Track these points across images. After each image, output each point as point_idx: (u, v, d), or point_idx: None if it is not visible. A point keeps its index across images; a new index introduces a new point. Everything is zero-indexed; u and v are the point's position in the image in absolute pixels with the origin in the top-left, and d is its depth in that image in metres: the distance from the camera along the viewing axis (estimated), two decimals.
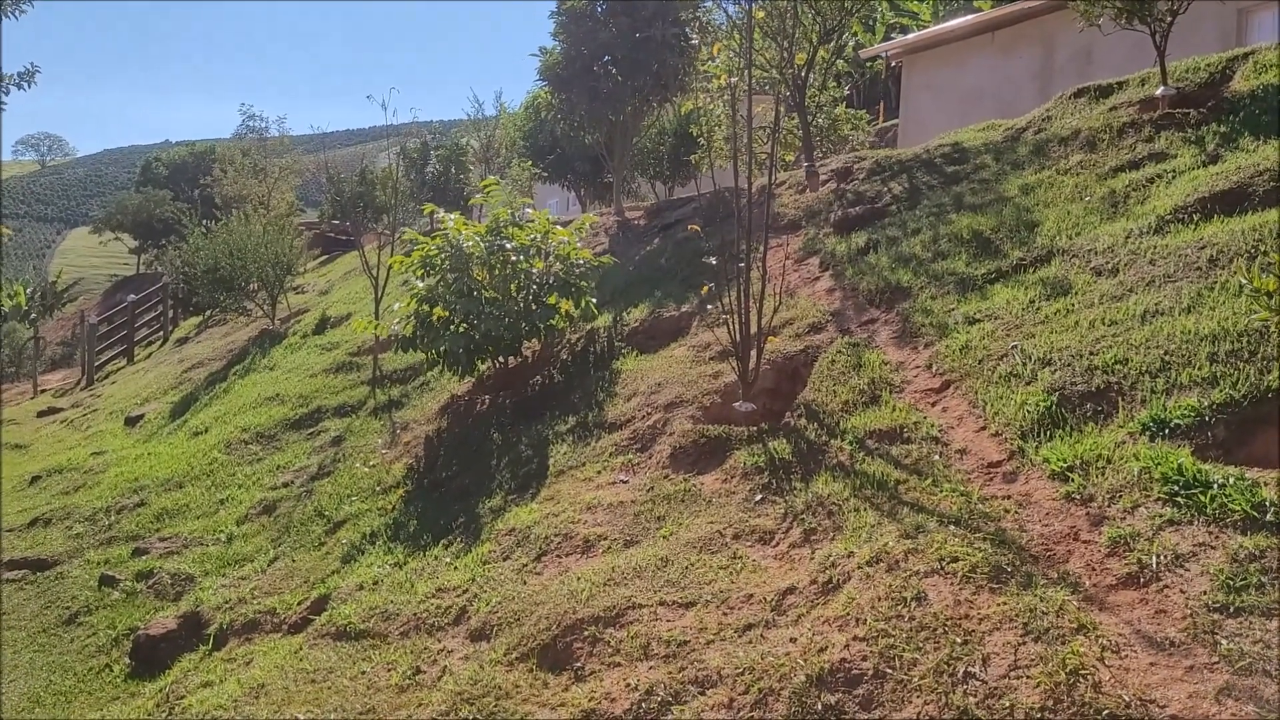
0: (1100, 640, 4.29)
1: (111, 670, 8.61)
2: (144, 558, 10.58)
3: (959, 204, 9.53)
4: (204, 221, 24.59)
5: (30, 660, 8.98)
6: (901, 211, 9.99)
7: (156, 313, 29.11)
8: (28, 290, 32.96)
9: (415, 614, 6.93)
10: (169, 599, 9.58)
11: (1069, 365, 6.23)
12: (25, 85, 12.36)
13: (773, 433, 7.38)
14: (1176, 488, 4.90)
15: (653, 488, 7.33)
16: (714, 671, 5.04)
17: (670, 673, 5.16)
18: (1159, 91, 9.58)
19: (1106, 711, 3.96)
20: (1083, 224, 8.06)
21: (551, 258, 10.85)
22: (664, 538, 6.58)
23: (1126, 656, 4.20)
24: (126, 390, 21.84)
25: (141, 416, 17.86)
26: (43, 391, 26.99)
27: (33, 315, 31.54)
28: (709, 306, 9.19)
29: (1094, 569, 4.77)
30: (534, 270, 10.65)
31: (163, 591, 9.75)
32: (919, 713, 4.30)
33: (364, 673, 6.49)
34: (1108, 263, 7.26)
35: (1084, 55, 14.46)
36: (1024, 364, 6.50)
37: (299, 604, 8.12)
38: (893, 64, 19.84)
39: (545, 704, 5.39)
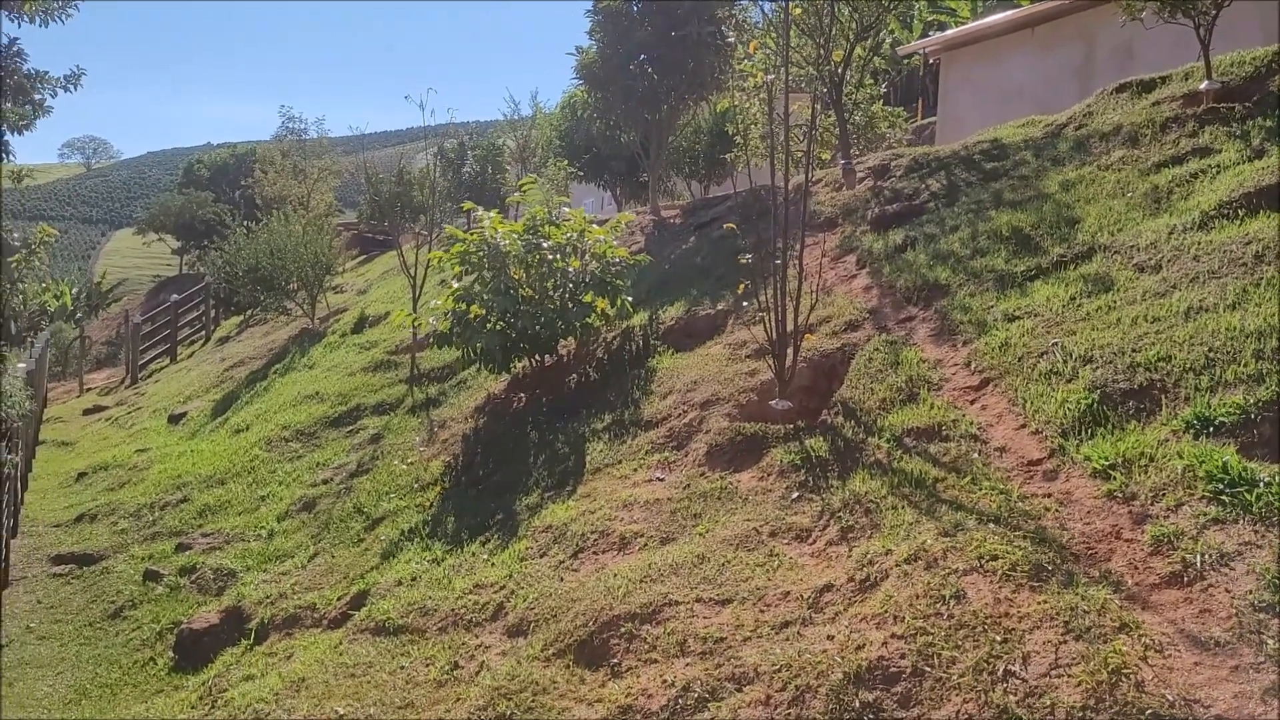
0: (1143, 639, 4.25)
1: (156, 663, 8.74)
2: (187, 553, 10.73)
3: (998, 201, 9.44)
4: (245, 222, 24.86)
5: (77, 653, 9.13)
6: (940, 209, 9.92)
7: (199, 312, 29.49)
8: (73, 291, 33.47)
9: (453, 610, 6.97)
10: (211, 594, 9.71)
11: (1111, 362, 6.16)
12: (71, 88, 12.53)
13: (809, 430, 7.36)
14: (1221, 486, 4.84)
15: (689, 485, 7.33)
16: (751, 668, 5.04)
17: (707, 669, 5.17)
18: (1203, 86, 9.44)
19: (1150, 711, 3.92)
20: (1125, 220, 7.96)
21: (587, 256, 10.87)
22: (700, 535, 6.58)
23: (1170, 656, 4.16)
24: (169, 389, 22.14)
25: (184, 414, 18.10)
26: (88, 390, 27.40)
27: (78, 315, 32.04)
28: (745, 304, 9.17)
29: (1137, 568, 4.72)
30: (570, 268, 10.68)
31: (205, 586, 9.88)
32: (958, 711, 4.28)
33: (402, 668, 6.54)
34: (1150, 259, 7.17)
35: (1125, 50, 14.29)
36: (1065, 361, 6.43)
37: (338, 599, 8.20)
38: (930, 61, 19.70)
39: (582, 699, 5.41)
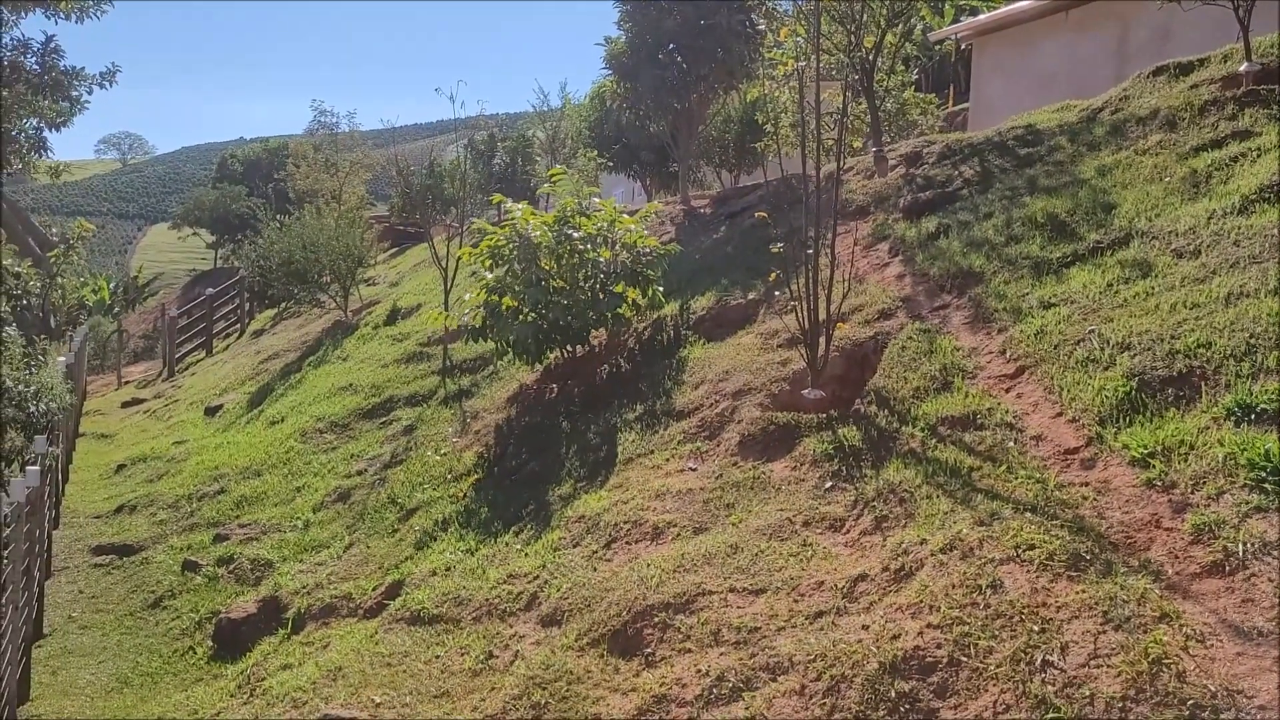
0: (1184, 629, 4.21)
1: (195, 652, 8.86)
2: (224, 544, 10.86)
3: (1033, 187, 9.34)
4: (277, 216, 25.02)
5: (118, 642, 9.27)
6: (973, 195, 9.83)
7: (233, 305, 29.75)
8: (111, 285, 33.88)
9: (487, 600, 7.01)
10: (249, 584, 9.82)
11: (1149, 349, 6.08)
12: (106, 85, 12.71)
13: (842, 420, 7.33)
14: (1263, 474, 4.77)
15: (721, 475, 7.32)
16: (785, 658, 5.03)
17: (741, 659, 5.17)
18: (1242, 68, 9.28)
19: (1191, 701, 3.88)
20: (1163, 205, 7.85)
21: (618, 246, 10.86)
22: (733, 525, 6.57)
23: (1211, 646, 4.12)
24: (206, 381, 22.37)
25: (220, 407, 18.28)
26: (126, 383, 27.72)
27: (116, 309, 32.44)
28: (777, 294, 9.13)
29: (1177, 557, 4.67)
30: (601, 259, 10.68)
31: (243, 576, 10.00)
32: (995, 701, 4.26)
33: (438, 657, 6.59)
34: (1189, 244, 7.07)
35: (1162, 33, 14.06)
36: (1102, 348, 6.36)
37: (374, 589, 8.27)
38: (962, 46, 19.50)
39: (616, 689, 5.43)
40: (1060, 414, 6.13)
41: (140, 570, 10.91)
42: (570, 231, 10.63)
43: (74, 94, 12.04)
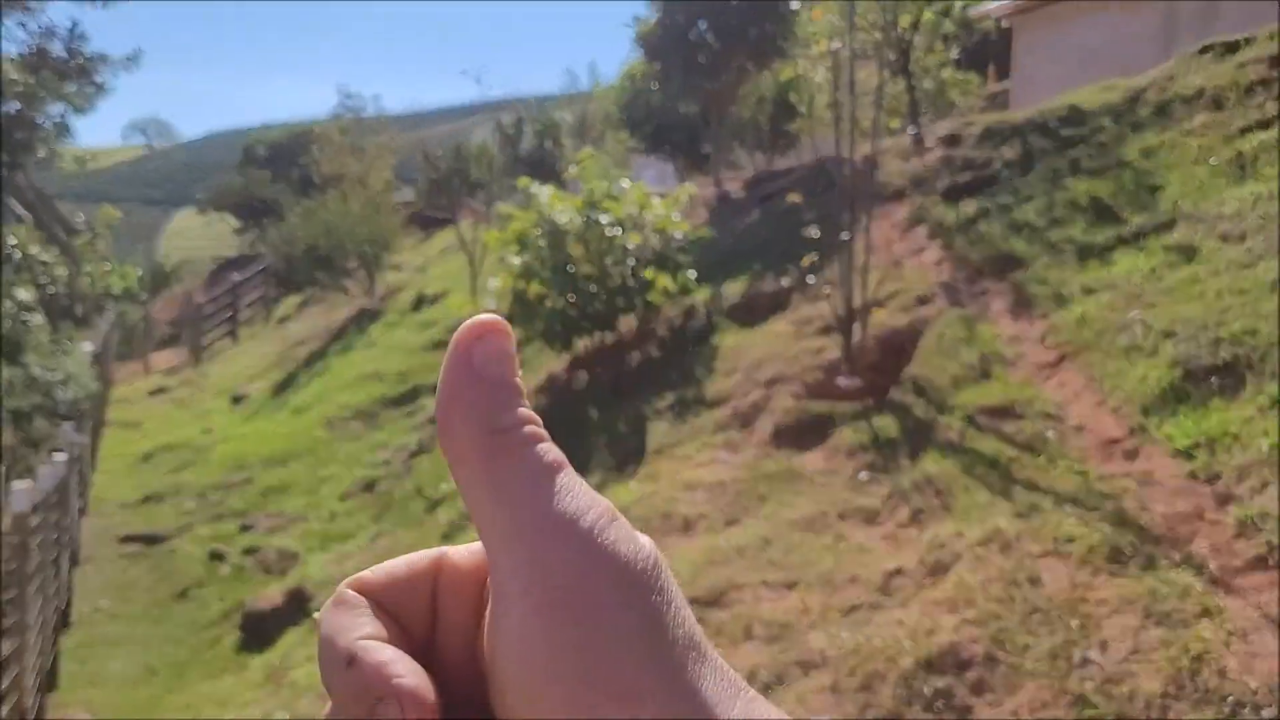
0: (1226, 625, 4.14)
1: (222, 643, 8.86)
2: (250, 534, 10.88)
3: (1075, 169, 9.17)
4: (302, 202, 25.07)
5: (146, 632, 9.29)
6: (1014, 178, 9.67)
7: (259, 292, 29.86)
8: (137, 272, 34.05)
9: None
10: (275, 574, 9.83)
11: (1194, 337, 5.95)
12: (131, 69, 12.74)
13: (878, 409, 7.22)
14: None
15: (754, 466, 7.23)
16: (818, 653, 4.94)
17: (773, 654, 5.07)
18: None
19: (1232, 699, 3.80)
20: (1208, 187, 7.68)
21: (648, 231, 10.74)
22: (766, 517, 6.48)
23: (1254, 642, 4.04)
24: (232, 369, 22.48)
25: (246, 395, 18.36)
26: (153, 371, 27.88)
27: (142, 296, 32.59)
28: (811, 279, 9.01)
29: (1220, 551, 4.59)
30: (630, 244, 10.56)
31: (269, 567, 10.01)
32: (1033, 698, 4.18)
33: None
34: (1235, 228, 6.91)
35: (1209, 11, 13.74)
36: (1145, 336, 6.23)
37: None
38: (1003, 24, 19.18)
39: None
40: (1102, 403, 6.02)
41: (167, 560, 10.94)
42: (599, 216, 10.52)
43: (99, 79, 12.08)
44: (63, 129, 12.01)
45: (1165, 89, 9.87)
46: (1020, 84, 17.86)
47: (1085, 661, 4.20)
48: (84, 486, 13.09)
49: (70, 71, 12.01)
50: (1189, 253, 6.95)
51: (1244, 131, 8.26)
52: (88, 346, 15.00)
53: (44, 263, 11.94)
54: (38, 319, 11.15)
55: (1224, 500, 4.85)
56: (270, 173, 50.95)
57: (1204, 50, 10.09)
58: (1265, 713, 3.69)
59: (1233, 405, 5.39)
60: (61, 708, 7.67)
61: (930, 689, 4.42)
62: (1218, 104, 8.90)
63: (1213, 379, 5.64)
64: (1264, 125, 8.19)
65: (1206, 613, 4.20)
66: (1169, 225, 7.46)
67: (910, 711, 4.37)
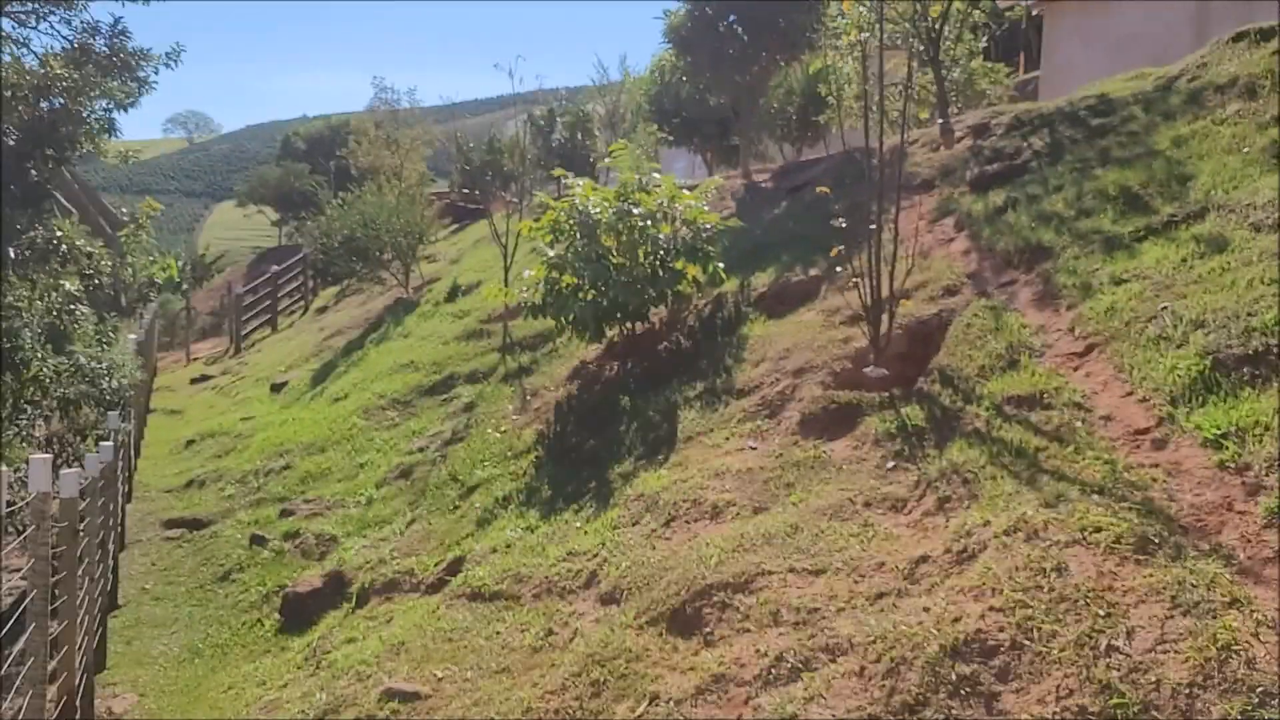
0: (1255, 615, 4.15)
1: (263, 625, 9.06)
2: (290, 519, 11.07)
3: (1105, 158, 9.11)
4: (339, 194, 25.28)
5: (189, 614, 9.51)
6: (1042, 168, 9.62)
7: (298, 283, 30.17)
8: (179, 263, 34.48)
9: (547, 577, 7.05)
10: (314, 558, 10.01)
11: (1224, 327, 5.93)
12: (172, 64, 12.91)
13: (905, 398, 7.25)
14: None
15: (782, 454, 7.28)
16: (845, 639, 5.00)
17: (800, 639, 5.14)
18: None
19: (1260, 689, 3.82)
20: (1240, 177, 7.61)
21: (678, 222, 10.80)
22: (793, 505, 6.54)
23: None
24: (271, 358, 22.77)
25: (285, 383, 18.59)
26: (195, 360, 28.28)
27: (184, 287, 33.02)
28: (839, 270, 9.02)
29: (1249, 541, 4.59)
30: (661, 235, 10.62)
31: (308, 551, 10.20)
32: (1058, 685, 4.21)
33: (498, 633, 6.65)
34: (1268, 217, 6.86)
35: None
36: (1175, 326, 6.21)
37: (435, 565, 8.36)
38: (1034, 12, 18.99)
39: (675, 667, 5.43)
40: (1130, 393, 6.00)
41: (210, 544, 11.17)
42: (630, 207, 10.58)
43: (141, 74, 12.28)
44: (107, 124, 12.19)
45: (1197, 77, 9.78)
46: (1050, 73, 17.68)
47: (1112, 650, 4.22)
48: (129, 473, 13.36)
49: (113, 67, 12.21)
50: (1220, 242, 6.89)
51: (1277, 120, 8.19)
52: (132, 336, 15.28)
53: (89, 255, 12.16)
54: (84, 310, 11.38)
55: (1254, 491, 4.82)
56: (308, 165, 51.34)
57: (1238, 37, 9.98)
58: None
59: (1263, 395, 5.36)
60: (109, 686, 7.89)
61: (956, 675, 4.47)
62: (1251, 92, 8.81)
63: (1243, 369, 5.61)
64: None
65: (1235, 603, 4.21)
66: (1200, 215, 7.40)
67: (936, 697, 4.42)
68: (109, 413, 10.63)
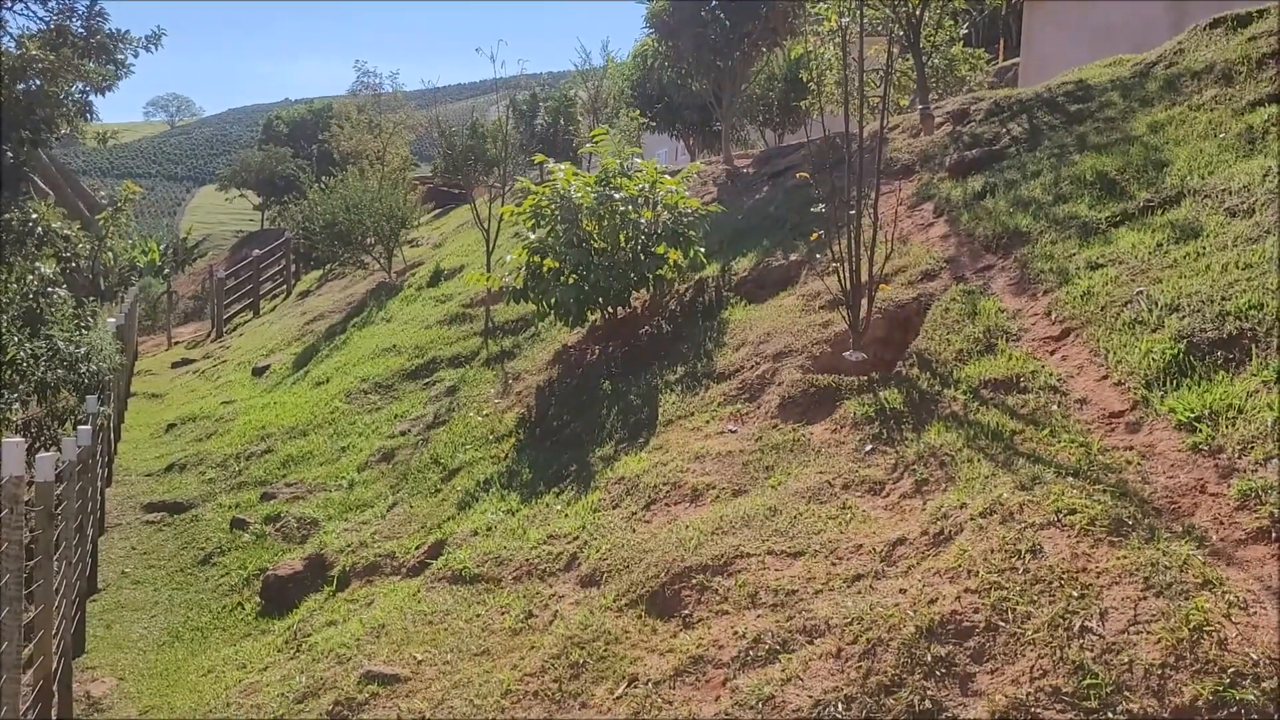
0: (1227, 596, 4.16)
1: (243, 608, 9.04)
2: (271, 502, 11.04)
3: (1082, 144, 9.15)
4: (321, 178, 25.16)
5: (170, 597, 9.48)
6: (1021, 153, 9.65)
7: (280, 267, 30.04)
8: (161, 247, 34.27)
9: (527, 560, 7.07)
10: (295, 542, 9.99)
11: (1199, 311, 5.96)
12: (152, 48, 12.82)
13: (884, 382, 7.28)
14: None
15: (761, 437, 7.31)
16: (822, 621, 5.03)
17: (778, 621, 5.17)
18: None
19: (1232, 669, 3.84)
20: (1216, 162, 7.65)
21: (660, 207, 10.81)
22: (772, 487, 6.56)
23: (1255, 614, 4.07)
24: (253, 342, 22.67)
25: (267, 367, 18.53)
26: (176, 343, 28.14)
27: (166, 271, 32.83)
28: (819, 255, 9.06)
29: (1222, 523, 4.61)
30: (642, 220, 10.63)
31: (289, 534, 10.17)
32: (1032, 666, 4.24)
33: (479, 615, 6.66)
34: (1243, 203, 6.89)
35: None
36: (1150, 310, 6.24)
37: (417, 548, 8.37)
38: (1014, 0, 19.06)
39: (654, 649, 5.46)
40: (1106, 377, 6.03)
41: (190, 527, 11.13)
42: (612, 192, 10.58)
43: (119, 57, 12.18)
44: (84, 107, 12.10)
45: (1174, 63, 9.83)
46: (1030, 59, 17.75)
47: (1085, 631, 4.24)
48: (109, 456, 13.30)
49: (90, 49, 12.11)
50: (1195, 227, 6.93)
51: (1254, 105, 8.22)
52: (111, 320, 15.18)
53: (66, 238, 12.07)
54: (61, 293, 11.30)
55: (1226, 473, 4.84)
56: (290, 149, 51.09)
57: (1215, 24, 10.03)
58: (1265, 684, 3.73)
59: (1237, 379, 5.38)
60: (88, 670, 7.87)
61: (931, 656, 4.50)
62: (1227, 78, 8.85)
63: (1217, 352, 5.63)
64: (1274, 99, 8.14)
65: (1207, 584, 4.23)
66: (1176, 200, 7.44)
67: (911, 678, 4.45)
68: (87, 397, 10.56)
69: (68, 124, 11.99)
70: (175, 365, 23.54)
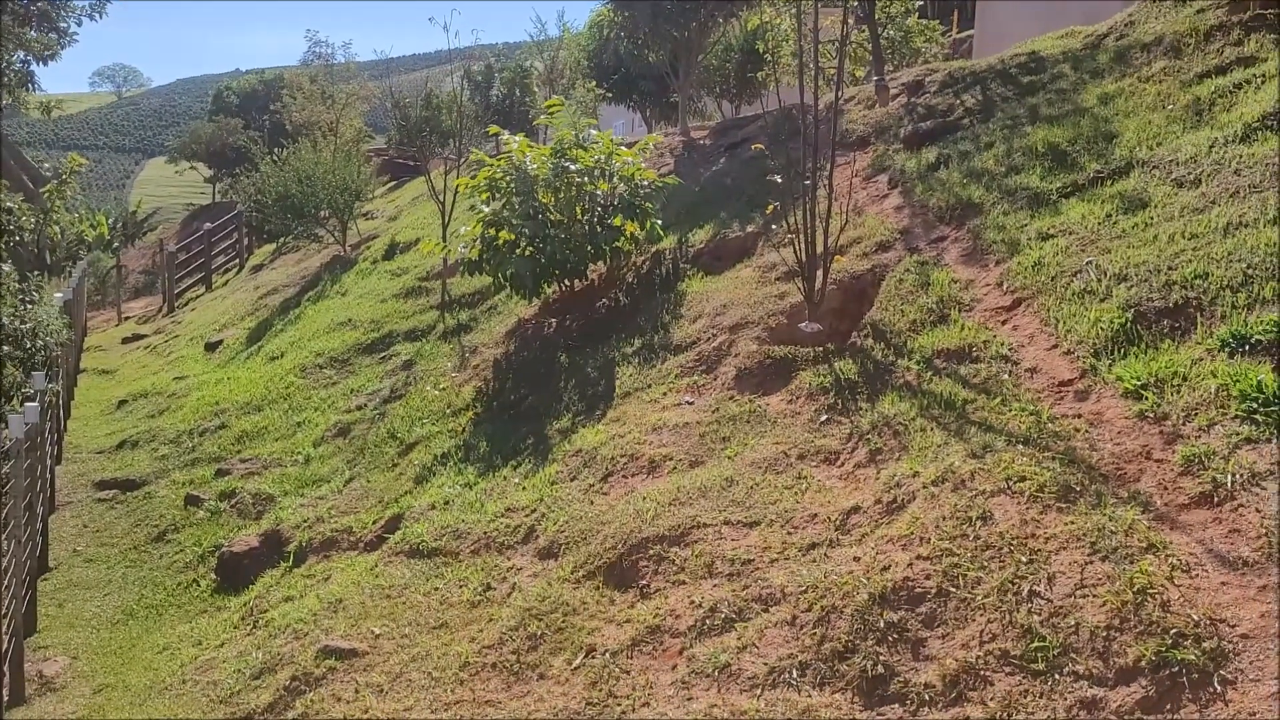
0: (1170, 560, 4.26)
1: (199, 585, 8.97)
2: (226, 478, 10.93)
3: (1034, 116, 9.23)
4: (273, 150, 24.79)
5: (123, 575, 9.38)
6: (974, 125, 9.72)
7: (232, 240, 29.60)
8: (110, 220, 33.69)
9: (485, 533, 7.08)
10: (251, 518, 9.90)
11: (1146, 280, 6.05)
12: (96, 16, 12.53)
13: (839, 353, 7.33)
14: (1255, 405, 4.78)
15: (718, 409, 7.34)
16: (777, 589, 5.09)
17: (734, 590, 5.23)
18: None
19: (1174, 630, 3.93)
20: (1164, 134, 7.76)
21: (616, 179, 10.77)
22: (729, 458, 6.61)
23: (1197, 576, 4.17)
24: (206, 317, 22.37)
25: (220, 342, 18.30)
26: (127, 319, 27.71)
27: (115, 245, 32.29)
28: (775, 226, 9.07)
29: (1166, 488, 4.70)
30: (599, 192, 10.59)
31: (245, 511, 10.08)
32: (982, 630, 4.32)
33: (436, 589, 6.67)
34: (1190, 174, 7.00)
35: None
36: (1099, 280, 6.33)
37: (374, 523, 8.34)
38: None
39: (611, 620, 5.50)
40: (1055, 346, 6.12)
41: (143, 505, 11.00)
42: (567, 164, 10.53)
43: (62, 24, 11.90)
44: (25, 77, 11.82)
45: (1125, 35, 9.92)
46: (985, 32, 17.84)
47: (1033, 595, 4.33)
48: (59, 434, 13.09)
49: (30, 16, 11.81)
50: (1143, 198, 7.02)
51: (1201, 77, 8.33)
52: (58, 295, 14.90)
53: (9, 211, 11.82)
54: (5, 268, 11.08)
55: (1171, 439, 4.93)
56: (241, 120, 50.26)
57: None
58: (1206, 644, 3.83)
59: (1182, 347, 5.48)
60: (40, 650, 7.78)
61: (884, 622, 4.58)
62: (1176, 50, 8.95)
63: (1164, 321, 5.72)
64: (1220, 71, 8.27)
65: (1151, 548, 4.32)
66: (1124, 171, 7.53)
67: (865, 644, 4.53)
68: (34, 373, 10.39)
69: (9, 94, 11.71)
70: (126, 341, 23.17)
